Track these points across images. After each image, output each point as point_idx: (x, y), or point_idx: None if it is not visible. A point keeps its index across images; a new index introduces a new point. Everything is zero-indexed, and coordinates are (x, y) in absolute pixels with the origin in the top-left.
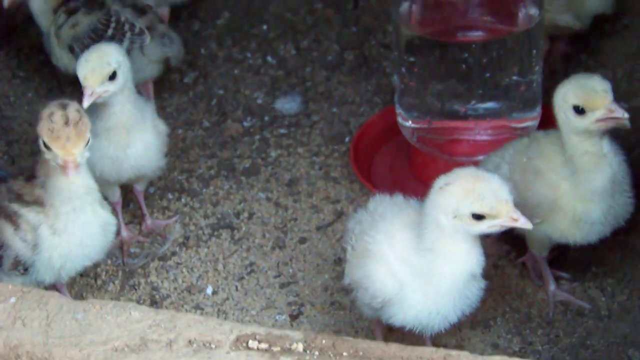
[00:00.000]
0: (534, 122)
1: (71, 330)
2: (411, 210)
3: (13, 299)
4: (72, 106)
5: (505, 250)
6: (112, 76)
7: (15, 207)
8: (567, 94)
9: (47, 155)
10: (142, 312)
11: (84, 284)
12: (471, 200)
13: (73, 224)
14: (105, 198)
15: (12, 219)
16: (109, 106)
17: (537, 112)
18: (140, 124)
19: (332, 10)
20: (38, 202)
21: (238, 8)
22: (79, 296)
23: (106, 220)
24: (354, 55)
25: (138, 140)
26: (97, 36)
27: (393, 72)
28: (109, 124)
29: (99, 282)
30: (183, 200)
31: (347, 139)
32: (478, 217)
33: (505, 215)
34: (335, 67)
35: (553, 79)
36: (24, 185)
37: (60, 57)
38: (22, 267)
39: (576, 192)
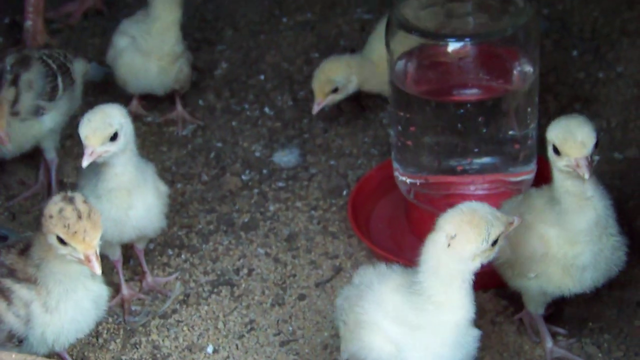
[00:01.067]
0: (530, 176)
1: None
2: (395, 275)
3: None
4: (78, 198)
5: (503, 306)
6: (114, 137)
7: (8, 283)
8: (551, 131)
9: (62, 250)
10: None
11: (85, 342)
12: (485, 235)
13: (65, 303)
14: (105, 257)
15: (4, 294)
16: (111, 167)
17: (532, 166)
18: (142, 186)
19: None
20: (31, 281)
21: (235, 59)
22: (81, 355)
23: (98, 294)
24: (350, 107)
25: (140, 201)
26: None
27: (390, 126)
28: (111, 185)
29: (101, 340)
30: (183, 256)
31: (344, 192)
32: (494, 242)
33: (507, 226)
34: (333, 118)
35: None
36: (17, 260)
37: None
38: (16, 340)
39: (563, 235)
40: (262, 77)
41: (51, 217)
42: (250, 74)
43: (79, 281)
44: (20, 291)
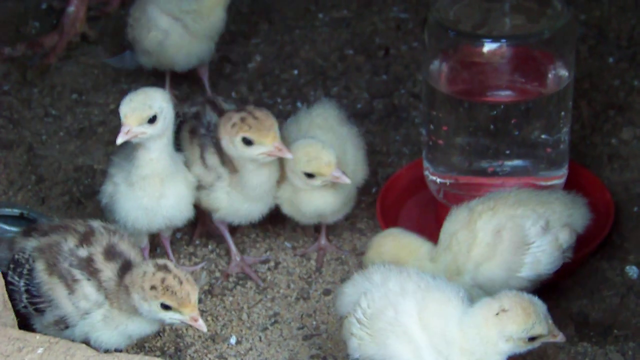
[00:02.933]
0: (561, 181)
1: None
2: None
3: (40, 350)
4: (169, 264)
5: None
6: (152, 119)
7: (77, 274)
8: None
9: (163, 315)
10: None
11: None
12: (530, 325)
13: (126, 326)
14: None
15: (68, 282)
16: (146, 151)
17: (564, 171)
18: (174, 175)
19: (362, 57)
20: (106, 291)
21: (269, 52)
22: None
23: (158, 317)
24: (383, 104)
25: (171, 190)
26: None
27: (421, 125)
28: (145, 172)
29: None
30: (210, 246)
31: (373, 190)
32: (532, 339)
33: (550, 334)
34: (365, 115)
35: (582, 134)
36: (103, 262)
37: None
38: (63, 326)
39: None
40: (295, 71)
41: (154, 288)
42: (283, 69)
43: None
44: (88, 288)
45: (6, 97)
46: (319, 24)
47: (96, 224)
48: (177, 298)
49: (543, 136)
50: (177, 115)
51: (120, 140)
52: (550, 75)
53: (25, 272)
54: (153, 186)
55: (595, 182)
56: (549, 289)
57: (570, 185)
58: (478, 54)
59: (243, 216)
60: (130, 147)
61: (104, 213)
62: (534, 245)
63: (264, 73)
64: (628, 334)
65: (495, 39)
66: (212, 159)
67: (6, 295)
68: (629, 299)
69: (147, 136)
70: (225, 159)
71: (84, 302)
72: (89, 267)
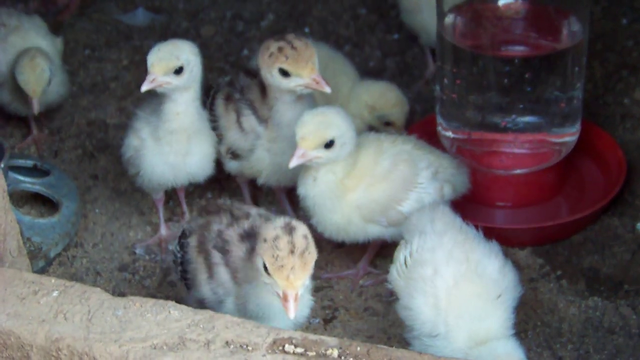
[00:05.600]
0: (574, 138)
1: (111, 326)
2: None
3: (55, 293)
4: (299, 231)
5: (539, 264)
6: (179, 70)
7: (217, 259)
8: None
9: (266, 279)
10: (181, 311)
11: (121, 279)
12: None
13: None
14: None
15: (209, 264)
16: (173, 104)
17: (576, 128)
18: (200, 132)
19: (375, 16)
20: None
21: (282, 10)
22: (117, 290)
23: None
24: (395, 63)
25: (197, 148)
26: None
27: (435, 81)
28: (173, 126)
29: (137, 277)
30: (222, 200)
31: None
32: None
33: None
34: (377, 73)
35: (595, 93)
36: (237, 242)
37: None
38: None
39: None
40: (306, 30)
41: (265, 241)
42: (296, 27)
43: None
44: (224, 275)
45: None
46: None
47: (254, 210)
48: (275, 264)
49: (556, 92)
50: (210, 86)
51: (144, 87)
52: (564, 30)
53: (184, 244)
54: (180, 142)
55: (607, 139)
56: (560, 245)
57: (583, 142)
58: (493, 9)
59: (286, 172)
60: (156, 102)
61: (115, 166)
62: (421, 186)
63: (276, 31)
64: (639, 289)
65: None
66: (249, 120)
67: (21, 242)
68: (639, 255)
69: (172, 87)
70: (261, 117)
71: (221, 289)
72: (224, 248)
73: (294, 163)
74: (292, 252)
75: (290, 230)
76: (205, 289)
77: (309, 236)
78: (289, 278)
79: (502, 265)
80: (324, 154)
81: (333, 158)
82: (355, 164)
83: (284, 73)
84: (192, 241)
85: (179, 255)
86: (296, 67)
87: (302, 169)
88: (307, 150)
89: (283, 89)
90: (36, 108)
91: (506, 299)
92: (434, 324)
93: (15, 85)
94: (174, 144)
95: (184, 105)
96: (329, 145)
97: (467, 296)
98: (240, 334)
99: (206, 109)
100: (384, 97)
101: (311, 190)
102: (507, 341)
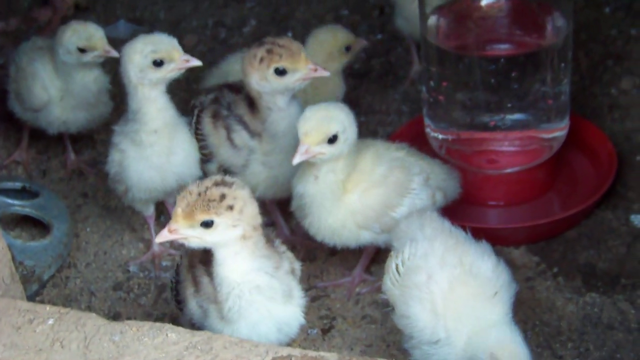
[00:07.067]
0: (563, 133)
1: (109, 352)
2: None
3: (51, 321)
4: (228, 188)
5: (535, 262)
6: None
7: (200, 271)
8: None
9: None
10: (179, 333)
11: (116, 298)
12: None
13: (239, 323)
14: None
15: (196, 280)
16: (152, 103)
17: (565, 123)
18: (181, 127)
19: (358, 17)
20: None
21: (264, 15)
22: (113, 310)
23: (284, 321)
24: (380, 63)
25: (179, 147)
26: None
27: (421, 82)
28: (157, 124)
29: (132, 295)
30: None
31: None
32: None
33: None
34: (362, 75)
35: (582, 85)
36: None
37: None
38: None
39: None
40: (290, 34)
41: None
42: (279, 31)
43: (263, 309)
44: (208, 287)
45: (1, 71)
46: None
47: None
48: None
49: (544, 88)
50: (194, 105)
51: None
52: (548, 27)
53: (178, 267)
54: (162, 141)
55: (597, 133)
56: (555, 242)
57: (573, 136)
58: (476, 9)
59: (282, 184)
60: (129, 113)
61: (105, 183)
62: (415, 192)
63: (259, 36)
64: (636, 283)
65: None
66: (240, 136)
67: (13, 268)
68: (635, 247)
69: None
70: (252, 132)
71: (206, 301)
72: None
73: (297, 159)
74: (199, 194)
75: (223, 183)
76: (192, 304)
77: (235, 195)
78: (177, 212)
79: (495, 265)
80: (327, 149)
81: (337, 154)
82: (355, 167)
83: (280, 72)
84: (184, 261)
85: (173, 281)
86: (292, 62)
87: (300, 168)
88: (310, 145)
89: (279, 90)
90: None
91: (503, 295)
92: (433, 329)
93: None
94: (156, 145)
95: (161, 101)
96: (332, 140)
97: (463, 298)
98: (239, 353)
99: (191, 128)
100: (334, 36)
101: (311, 189)
102: (500, 327)
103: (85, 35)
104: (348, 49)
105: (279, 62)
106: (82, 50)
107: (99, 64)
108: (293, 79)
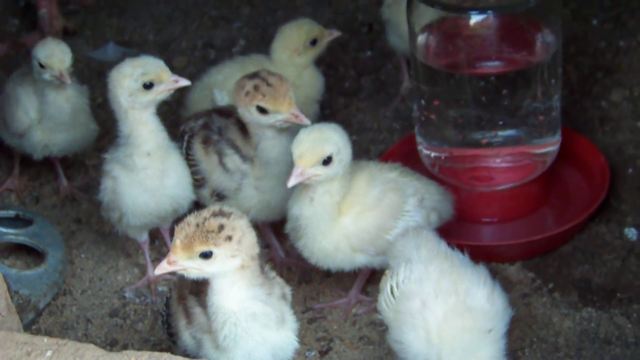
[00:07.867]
0: (555, 147)
1: None
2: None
3: (49, 353)
4: (226, 218)
5: (530, 278)
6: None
7: (192, 302)
8: None
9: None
10: None
11: (113, 324)
12: None
13: (234, 350)
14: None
15: (187, 312)
16: (144, 125)
17: (557, 138)
18: (173, 150)
19: (346, 34)
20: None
21: (253, 35)
22: (110, 337)
23: (278, 345)
24: (370, 81)
25: (172, 169)
26: None
27: (412, 100)
28: (150, 146)
29: (129, 321)
30: None
31: None
32: None
33: None
34: (353, 93)
35: (572, 98)
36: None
37: None
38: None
39: None
40: None
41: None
42: (268, 51)
43: (258, 336)
44: (201, 317)
45: None
46: (301, 3)
47: None
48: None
49: (535, 104)
50: (183, 131)
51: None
52: (538, 44)
53: (168, 300)
54: (155, 164)
55: (589, 147)
56: (550, 257)
57: (565, 151)
58: (465, 27)
59: (274, 207)
60: (120, 138)
61: (98, 209)
62: (409, 214)
63: None
64: (631, 297)
65: (481, 10)
66: (233, 160)
67: (9, 299)
68: (629, 261)
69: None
70: (245, 156)
71: (199, 332)
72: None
73: (292, 182)
74: (197, 225)
75: (221, 214)
76: (185, 335)
77: (236, 226)
78: (176, 244)
79: (490, 293)
80: (322, 171)
81: (332, 175)
82: (349, 190)
83: (262, 110)
84: (174, 294)
85: (164, 314)
86: (274, 104)
87: (296, 190)
88: (305, 168)
89: (261, 125)
90: None
91: (497, 330)
92: (426, 357)
93: None
94: (149, 168)
95: (153, 123)
96: (326, 161)
97: (458, 331)
98: None
99: (182, 154)
100: (298, 31)
101: (307, 210)
102: None
103: (46, 52)
104: (314, 42)
105: (261, 101)
106: (42, 66)
107: (77, 84)
108: (273, 119)
